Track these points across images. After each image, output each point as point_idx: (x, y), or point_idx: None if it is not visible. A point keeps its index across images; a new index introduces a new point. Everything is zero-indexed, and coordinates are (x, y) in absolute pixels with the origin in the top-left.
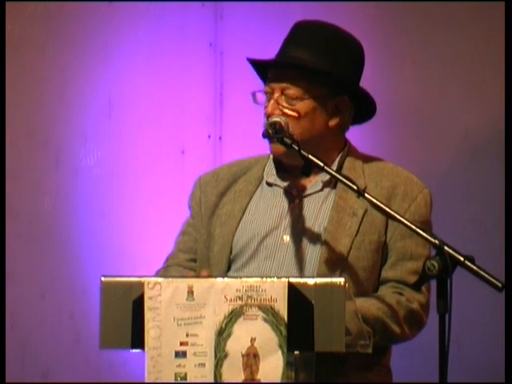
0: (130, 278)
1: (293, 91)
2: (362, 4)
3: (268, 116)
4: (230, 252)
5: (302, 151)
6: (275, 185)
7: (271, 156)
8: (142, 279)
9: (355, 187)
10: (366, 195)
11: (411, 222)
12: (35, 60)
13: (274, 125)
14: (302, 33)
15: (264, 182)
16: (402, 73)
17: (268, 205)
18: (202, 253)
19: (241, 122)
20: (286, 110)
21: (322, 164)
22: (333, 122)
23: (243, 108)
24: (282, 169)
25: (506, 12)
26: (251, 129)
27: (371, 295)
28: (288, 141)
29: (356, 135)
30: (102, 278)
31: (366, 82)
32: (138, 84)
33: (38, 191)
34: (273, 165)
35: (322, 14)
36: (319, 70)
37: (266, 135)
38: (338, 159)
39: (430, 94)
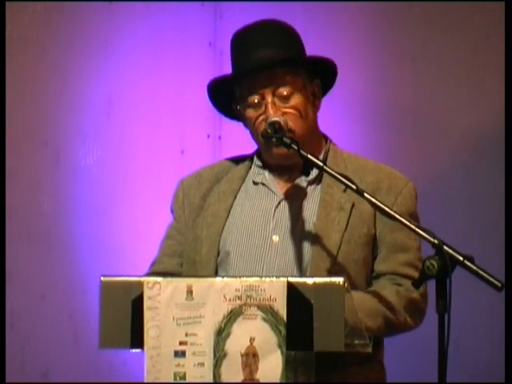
0: (129, 278)
1: (284, 90)
2: (362, 4)
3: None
4: (218, 253)
5: (302, 151)
6: (262, 184)
7: (255, 155)
8: (142, 279)
9: (354, 187)
10: (366, 195)
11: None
12: (35, 60)
13: (273, 124)
14: (255, 36)
15: (248, 181)
16: (402, 72)
17: (254, 204)
18: (188, 256)
19: (240, 122)
20: (286, 110)
21: (321, 164)
22: (315, 110)
23: None
24: (268, 167)
25: (506, 12)
26: None
27: (371, 288)
28: (287, 140)
29: (355, 134)
30: (102, 278)
31: (366, 81)
32: (137, 84)
33: (38, 191)
34: (260, 164)
35: (322, 14)
36: (298, 59)
37: (265, 135)
38: (322, 154)
39: (430, 94)
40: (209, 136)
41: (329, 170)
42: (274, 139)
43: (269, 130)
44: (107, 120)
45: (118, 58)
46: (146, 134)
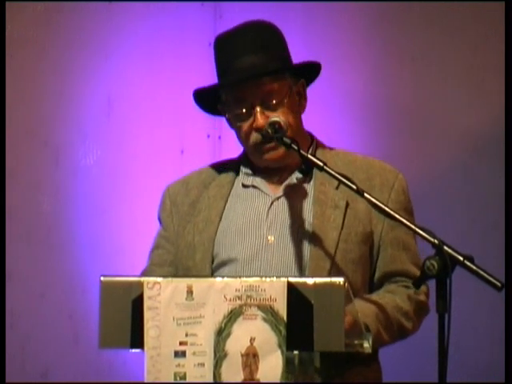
0: (129, 278)
1: (272, 100)
2: (361, 4)
3: (259, 129)
4: (212, 258)
5: (302, 151)
6: (252, 186)
7: (242, 160)
8: (142, 279)
9: (354, 187)
10: (366, 195)
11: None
12: (35, 60)
13: (273, 124)
14: (239, 41)
15: (237, 185)
16: (402, 72)
17: (246, 206)
18: (181, 263)
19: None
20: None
21: (321, 164)
22: (302, 109)
23: None
24: (257, 170)
25: (506, 12)
26: None
27: (382, 293)
28: (288, 140)
29: (355, 134)
30: (102, 278)
31: (366, 81)
32: (137, 83)
33: (38, 191)
34: (249, 172)
35: (322, 14)
36: (284, 68)
37: (265, 135)
38: (310, 151)
39: (430, 94)
40: (209, 136)
41: (330, 171)
42: (274, 139)
43: (269, 130)
44: (107, 120)
45: (117, 58)
46: (145, 134)
